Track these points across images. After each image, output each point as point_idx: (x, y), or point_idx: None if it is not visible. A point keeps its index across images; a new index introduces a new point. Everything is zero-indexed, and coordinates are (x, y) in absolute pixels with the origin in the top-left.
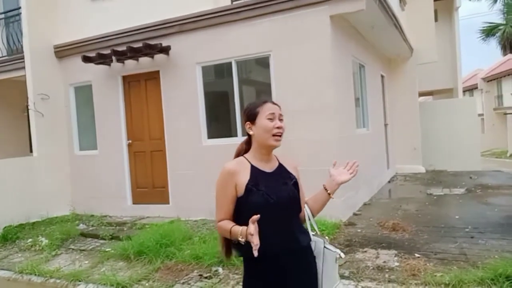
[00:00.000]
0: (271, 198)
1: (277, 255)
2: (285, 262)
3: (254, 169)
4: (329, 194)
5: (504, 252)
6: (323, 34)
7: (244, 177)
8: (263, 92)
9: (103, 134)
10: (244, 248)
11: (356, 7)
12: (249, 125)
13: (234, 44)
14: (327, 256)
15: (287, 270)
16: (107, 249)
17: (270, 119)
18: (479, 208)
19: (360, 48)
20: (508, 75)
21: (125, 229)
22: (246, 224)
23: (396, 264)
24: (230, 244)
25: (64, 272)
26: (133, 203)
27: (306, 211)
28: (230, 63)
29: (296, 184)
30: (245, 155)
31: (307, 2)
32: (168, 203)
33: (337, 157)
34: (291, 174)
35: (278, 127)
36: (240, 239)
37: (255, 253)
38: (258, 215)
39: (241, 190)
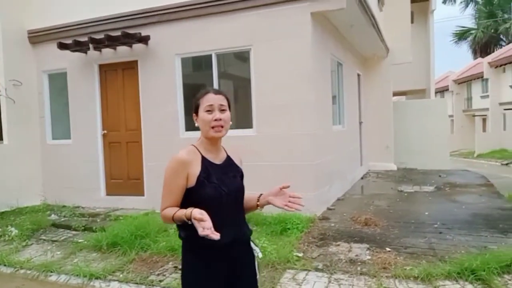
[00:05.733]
0: (223, 190)
1: (227, 245)
2: (234, 252)
3: (205, 161)
4: (257, 205)
5: (470, 247)
6: (303, 30)
7: (196, 168)
8: (243, 87)
9: (77, 124)
10: (190, 237)
11: (337, 5)
12: (195, 117)
13: (214, 36)
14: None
15: (235, 260)
16: (79, 240)
17: (209, 111)
18: (448, 206)
19: (338, 47)
20: (478, 78)
21: (98, 220)
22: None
23: (368, 257)
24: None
25: (35, 262)
26: (107, 195)
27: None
28: (210, 55)
29: (242, 177)
30: (195, 144)
31: None
32: (143, 195)
33: (314, 153)
34: (238, 167)
35: (216, 120)
36: (186, 220)
37: (215, 237)
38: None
39: (192, 181)
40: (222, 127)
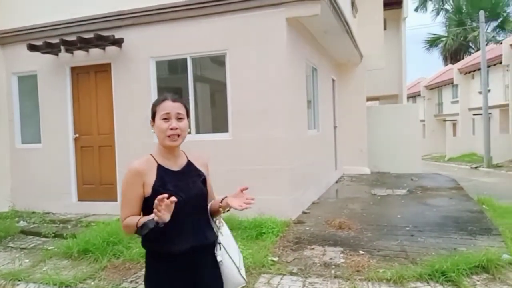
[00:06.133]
0: (180, 197)
1: (187, 252)
2: (194, 259)
3: (160, 168)
4: (219, 207)
5: (441, 249)
6: (279, 36)
7: (151, 177)
8: (219, 90)
9: (48, 127)
10: (149, 245)
11: (311, 11)
12: (152, 123)
13: (190, 40)
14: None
15: (196, 266)
16: (49, 247)
17: (165, 119)
18: (419, 208)
19: (313, 52)
20: (448, 84)
21: (69, 226)
22: None
23: (342, 260)
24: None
25: (2, 271)
26: (79, 200)
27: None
28: (186, 59)
29: (204, 181)
30: (152, 152)
31: (265, 3)
32: (116, 200)
33: (289, 157)
34: (200, 171)
35: (172, 128)
36: (152, 219)
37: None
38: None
39: (148, 190)
40: (178, 136)
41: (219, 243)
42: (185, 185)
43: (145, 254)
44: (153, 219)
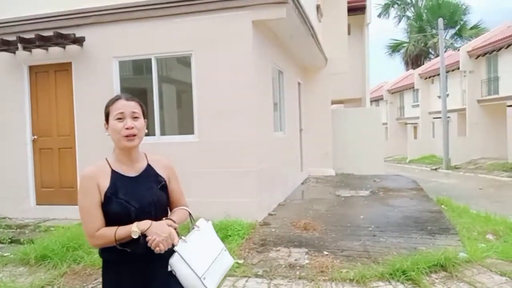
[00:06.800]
0: (132, 206)
1: (142, 260)
2: (149, 266)
3: (114, 175)
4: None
5: (401, 249)
6: (245, 38)
7: (104, 184)
8: (185, 91)
9: (3, 128)
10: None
11: (277, 15)
12: (106, 126)
13: (154, 40)
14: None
15: (151, 274)
16: (5, 254)
17: (120, 119)
18: (381, 209)
19: (279, 55)
20: (409, 88)
21: (27, 232)
22: None
23: (307, 261)
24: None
25: None
26: (37, 204)
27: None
28: (150, 59)
29: (164, 187)
30: (108, 158)
31: (231, 6)
32: (77, 204)
33: (255, 159)
34: (159, 176)
35: (127, 128)
36: (135, 230)
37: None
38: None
39: (102, 197)
40: (135, 135)
41: (176, 252)
42: (138, 192)
43: (102, 262)
44: (143, 238)
